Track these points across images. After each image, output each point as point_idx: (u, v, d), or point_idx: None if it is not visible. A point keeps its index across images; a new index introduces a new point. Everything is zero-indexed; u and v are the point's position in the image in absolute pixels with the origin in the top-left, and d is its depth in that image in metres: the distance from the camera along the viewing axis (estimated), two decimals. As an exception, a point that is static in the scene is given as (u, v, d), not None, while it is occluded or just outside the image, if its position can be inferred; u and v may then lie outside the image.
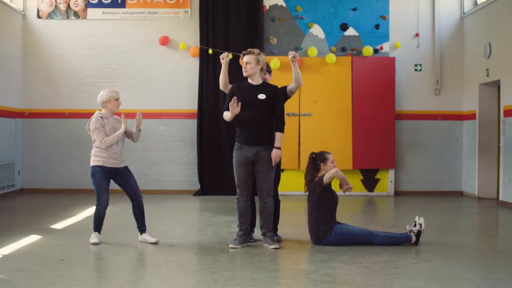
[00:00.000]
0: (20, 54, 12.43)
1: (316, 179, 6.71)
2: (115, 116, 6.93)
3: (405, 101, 12.67)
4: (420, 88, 12.67)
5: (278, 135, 6.52)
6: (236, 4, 12.39)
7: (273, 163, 6.48)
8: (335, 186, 6.84)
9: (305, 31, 12.55)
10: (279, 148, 6.50)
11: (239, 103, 6.41)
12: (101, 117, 6.76)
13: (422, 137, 12.68)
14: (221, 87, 6.92)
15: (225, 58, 6.88)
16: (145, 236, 6.81)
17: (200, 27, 12.40)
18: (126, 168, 6.82)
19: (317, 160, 6.77)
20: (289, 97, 7.00)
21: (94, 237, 6.71)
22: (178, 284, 5.06)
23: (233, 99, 6.42)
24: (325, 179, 6.58)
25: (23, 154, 12.45)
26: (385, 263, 5.86)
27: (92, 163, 6.74)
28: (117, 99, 6.83)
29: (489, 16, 11.62)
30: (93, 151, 6.78)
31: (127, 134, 6.88)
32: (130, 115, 7.32)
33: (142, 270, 5.87)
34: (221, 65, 6.94)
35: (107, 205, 6.71)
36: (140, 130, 6.95)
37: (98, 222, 6.74)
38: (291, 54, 6.79)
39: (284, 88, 6.93)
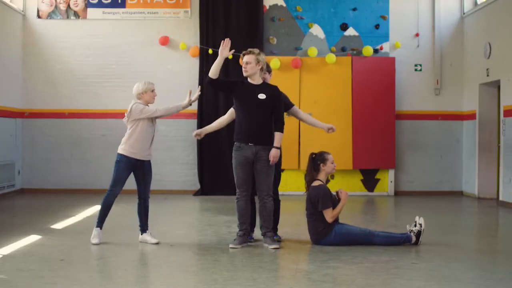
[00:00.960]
0: (20, 54, 12.43)
1: (315, 194, 6.64)
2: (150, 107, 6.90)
3: (405, 101, 12.67)
4: (420, 88, 12.68)
5: (277, 135, 6.52)
6: (236, 4, 12.39)
7: (271, 162, 6.48)
8: (332, 188, 6.84)
9: (305, 31, 12.55)
10: (278, 148, 6.50)
11: (232, 50, 6.50)
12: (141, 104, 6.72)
13: (422, 137, 12.68)
14: (211, 74, 6.69)
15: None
16: (146, 237, 6.81)
17: (200, 27, 12.41)
18: (149, 163, 6.83)
19: (316, 160, 6.76)
20: (286, 112, 6.96)
21: (95, 237, 6.69)
22: (178, 284, 5.06)
23: (226, 40, 6.49)
24: (328, 219, 6.59)
25: (23, 154, 12.44)
26: (385, 263, 5.86)
27: (120, 151, 6.71)
28: (153, 90, 6.88)
29: (489, 16, 11.62)
30: (125, 138, 6.73)
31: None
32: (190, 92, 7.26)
33: (142, 270, 5.87)
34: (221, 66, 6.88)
35: (117, 194, 6.71)
36: (190, 105, 6.92)
37: (104, 211, 6.71)
38: (330, 129, 6.93)
39: (290, 104, 6.94)
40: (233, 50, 6.63)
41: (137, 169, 6.76)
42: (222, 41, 6.58)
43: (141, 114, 6.68)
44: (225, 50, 6.52)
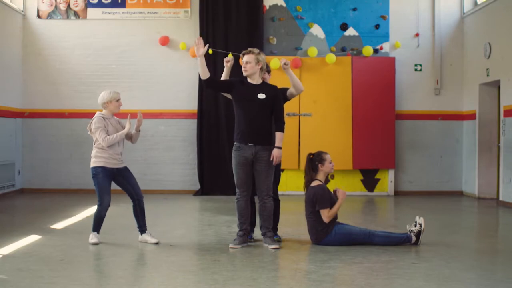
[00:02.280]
0: (20, 54, 12.43)
1: (315, 193, 6.63)
2: (116, 118, 6.93)
3: (405, 101, 12.67)
4: (420, 88, 12.68)
5: (278, 134, 6.52)
6: (236, 4, 12.39)
7: (274, 162, 6.48)
8: (330, 188, 6.84)
9: (305, 31, 12.55)
10: (280, 148, 6.50)
11: (207, 45, 6.51)
12: (103, 117, 6.75)
13: (422, 137, 12.68)
14: (202, 76, 6.73)
15: (230, 62, 6.86)
16: (145, 237, 6.81)
17: (200, 27, 12.40)
18: (126, 168, 6.83)
19: (314, 161, 6.76)
20: (289, 100, 6.99)
21: (93, 237, 6.71)
22: (178, 284, 5.06)
23: (197, 39, 6.52)
24: (325, 219, 6.58)
25: (23, 154, 12.45)
26: (385, 263, 5.86)
27: (93, 164, 6.72)
28: (118, 100, 6.82)
29: (489, 16, 11.62)
30: (93, 152, 6.76)
31: (127, 135, 6.88)
32: (131, 116, 7.31)
33: (142, 270, 5.87)
34: (221, 66, 6.94)
35: (108, 206, 6.71)
36: (139, 131, 6.95)
37: (98, 223, 6.75)
38: (282, 61, 6.79)
39: (285, 90, 6.92)
40: (207, 45, 6.61)
41: (116, 177, 6.74)
42: (194, 41, 6.56)
43: (95, 135, 6.67)
44: (199, 49, 6.51)
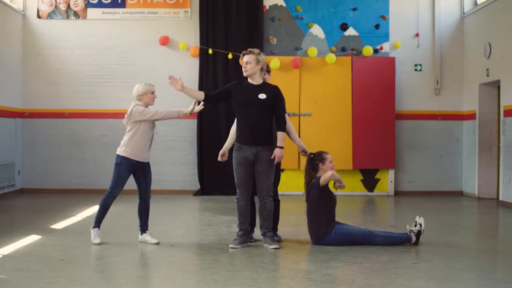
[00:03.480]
0: (20, 54, 12.43)
1: (313, 180, 6.72)
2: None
3: (405, 101, 12.67)
4: (420, 88, 12.68)
5: (280, 134, 6.52)
6: (236, 4, 12.39)
7: (275, 161, 6.48)
8: (330, 186, 6.85)
9: (305, 31, 12.55)
10: (281, 148, 6.50)
11: (179, 78, 6.55)
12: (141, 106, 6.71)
13: (422, 137, 12.68)
14: (197, 99, 6.83)
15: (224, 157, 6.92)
16: (146, 237, 6.81)
17: (200, 27, 12.40)
18: (148, 164, 6.83)
19: (315, 160, 6.77)
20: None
21: (96, 237, 6.70)
22: (178, 284, 5.06)
23: (168, 77, 6.60)
24: (321, 181, 6.58)
25: (23, 154, 12.45)
26: (385, 263, 5.86)
27: (120, 152, 6.69)
28: (153, 92, 6.88)
29: (489, 16, 11.62)
30: (124, 139, 6.72)
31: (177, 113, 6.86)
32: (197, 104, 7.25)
33: (142, 270, 5.87)
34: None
35: (116, 196, 6.71)
36: (190, 114, 6.92)
37: (102, 212, 6.71)
38: (306, 150, 6.89)
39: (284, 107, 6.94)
40: (179, 78, 6.58)
41: (137, 170, 6.75)
42: (168, 82, 6.61)
43: (141, 116, 6.68)
44: (177, 85, 6.55)
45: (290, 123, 7.06)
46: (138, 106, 6.74)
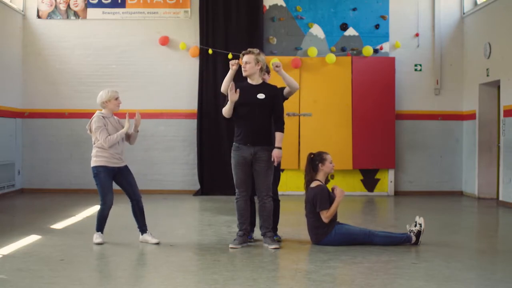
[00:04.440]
0: (20, 54, 12.43)
1: (315, 192, 6.64)
2: (115, 117, 6.93)
3: (405, 101, 12.67)
4: (420, 88, 12.67)
5: (278, 135, 6.51)
6: (236, 4, 12.39)
7: (275, 163, 6.48)
8: (329, 188, 6.85)
9: (305, 31, 12.55)
10: (280, 148, 6.49)
11: (238, 90, 6.40)
12: (102, 116, 6.76)
13: (422, 137, 12.68)
14: (223, 89, 6.84)
15: (235, 66, 6.80)
16: (146, 237, 6.81)
17: (200, 27, 12.40)
18: (126, 167, 6.83)
19: (315, 160, 6.77)
20: (287, 99, 6.98)
21: (97, 237, 6.71)
22: (178, 284, 5.06)
23: (231, 85, 6.42)
24: (324, 218, 6.56)
25: (23, 154, 12.45)
26: (385, 263, 5.86)
27: (94, 164, 6.72)
28: (116, 99, 6.82)
29: (489, 16, 11.62)
30: (94, 151, 6.76)
31: (126, 135, 6.88)
32: (130, 115, 7.30)
33: (142, 270, 5.87)
34: (221, 66, 6.92)
35: (111, 205, 6.71)
36: (138, 131, 6.95)
37: (101, 222, 6.74)
38: (273, 64, 6.77)
39: (282, 89, 6.91)
40: (238, 90, 6.52)
41: (116, 176, 6.74)
42: (230, 90, 6.45)
43: (94, 133, 6.67)
44: (234, 96, 6.43)
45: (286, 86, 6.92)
46: (99, 118, 6.70)
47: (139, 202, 6.82)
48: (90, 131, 6.78)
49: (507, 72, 10.76)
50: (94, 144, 6.78)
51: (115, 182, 6.77)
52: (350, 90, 12.25)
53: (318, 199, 6.55)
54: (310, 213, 6.67)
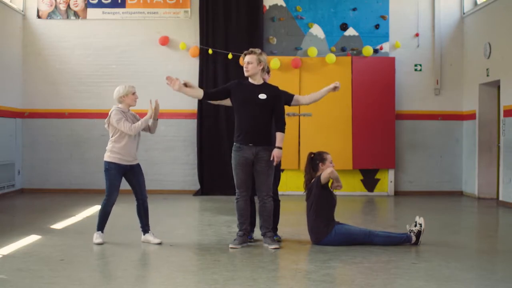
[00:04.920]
0: (20, 54, 12.43)
1: (313, 179, 6.72)
2: (132, 112, 6.93)
3: (405, 101, 12.67)
4: (420, 88, 12.68)
5: (279, 135, 6.52)
6: (236, 4, 12.39)
7: (274, 162, 6.48)
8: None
9: (305, 31, 12.55)
10: (280, 148, 6.49)
11: (177, 80, 6.45)
12: (121, 110, 6.74)
13: (422, 137, 12.68)
14: (196, 97, 6.77)
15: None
16: (148, 237, 6.81)
17: (200, 27, 12.41)
18: (138, 165, 6.83)
19: (315, 160, 6.77)
20: (290, 105, 6.96)
21: (98, 237, 6.71)
22: (178, 284, 5.06)
23: (167, 78, 6.51)
24: (322, 179, 6.58)
25: (23, 154, 12.45)
26: (385, 263, 5.86)
27: (107, 158, 6.70)
28: (134, 93, 6.86)
29: (489, 16, 11.62)
30: (110, 145, 6.73)
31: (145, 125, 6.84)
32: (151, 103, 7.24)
33: (142, 270, 5.87)
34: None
35: (114, 202, 6.72)
36: (157, 120, 6.93)
37: (102, 219, 6.73)
38: (335, 84, 6.91)
39: (290, 96, 6.88)
40: (177, 79, 6.51)
41: (127, 173, 6.75)
42: (166, 82, 6.51)
43: (116, 125, 6.67)
44: (174, 85, 6.46)
45: (300, 97, 7.00)
46: (117, 111, 6.71)
47: (144, 202, 6.82)
48: (109, 125, 6.72)
49: (507, 72, 10.76)
50: (111, 137, 6.73)
51: (125, 178, 6.77)
52: (350, 90, 12.25)
53: (316, 178, 6.59)
54: (311, 210, 6.67)
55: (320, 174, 6.65)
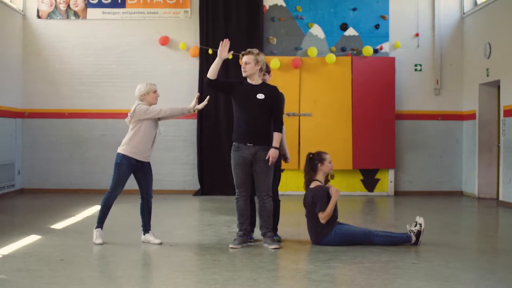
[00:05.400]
0: (20, 54, 12.43)
1: (314, 192, 6.64)
2: None
3: (405, 101, 12.67)
4: (420, 88, 12.67)
5: (276, 135, 6.51)
6: (236, 4, 12.39)
7: (269, 162, 6.48)
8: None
9: (305, 31, 12.55)
10: (277, 148, 6.49)
11: (231, 52, 6.47)
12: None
13: (422, 137, 12.68)
14: (209, 75, 6.63)
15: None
16: (148, 237, 6.81)
17: (200, 27, 12.41)
18: (149, 164, 6.81)
19: (314, 160, 6.77)
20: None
21: (98, 237, 6.69)
22: (178, 284, 5.06)
23: (225, 40, 6.48)
24: (321, 219, 6.57)
25: (23, 154, 12.44)
26: (385, 263, 5.86)
27: (121, 151, 6.67)
28: (155, 91, 6.87)
29: (489, 16, 11.62)
30: (127, 138, 6.70)
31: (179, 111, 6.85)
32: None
33: (142, 270, 5.87)
34: (221, 66, 6.84)
35: (117, 196, 6.71)
36: (191, 112, 6.93)
37: (104, 212, 6.71)
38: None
39: (281, 95, 6.84)
40: (231, 52, 6.61)
41: (137, 170, 6.74)
42: (221, 41, 6.55)
43: (145, 115, 6.67)
44: (224, 51, 6.51)
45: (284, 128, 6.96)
46: (142, 105, 6.73)
47: (149, 201, 6.82)
48: (132, 117, 6.66)
49: (507, 72, 10.76)
50: (130, 131, 6.69)
51: (133, 175, 6.75)
52: (350, 90, 12.25)
53: (318, 200, 6.55)
54: (309, 213, 6.67)
55: (318, 188, 6.60)
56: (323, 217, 6.56)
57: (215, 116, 12.24)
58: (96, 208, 6.83)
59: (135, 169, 6.71)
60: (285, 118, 6.81)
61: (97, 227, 6.75)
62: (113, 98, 12.34)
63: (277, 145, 6.50)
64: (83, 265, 5.85)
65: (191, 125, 12.47)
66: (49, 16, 12.56)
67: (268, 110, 6.53)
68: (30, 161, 12.46)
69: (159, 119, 6.82)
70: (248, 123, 6.51)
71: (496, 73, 11.22)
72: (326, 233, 6.61)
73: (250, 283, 5.03)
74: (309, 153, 6.86)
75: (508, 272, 5.68)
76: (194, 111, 6.90)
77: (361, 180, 12.43)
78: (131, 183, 6.89)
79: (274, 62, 11.85)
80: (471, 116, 12.25)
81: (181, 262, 5.96)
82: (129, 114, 6.73)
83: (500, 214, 10.08)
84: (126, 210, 8.60)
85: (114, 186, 6.67)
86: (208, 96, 6.97)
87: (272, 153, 6.46)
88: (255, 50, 6.62)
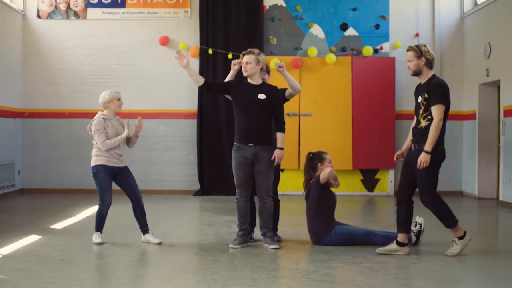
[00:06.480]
0: (20, 54, 12.43)
1: (312, 179, 6.73)
2: (117, 117, 6.92)
3: (405, 101, 12.63)
4: (420, 88, 12.65)
5: (279, 135, 6.52)
6: (236, 4, 12.39)
7: (275, 163, 6.48)
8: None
9: (305, 31, 12.55)
10: (281, 149, 6.50)
11: (187, 57, 6.49)
12: (103, 118, 6.74)
13: (422, 137, 12.64)
14: (196, 83, 6.70)
15: (237, 65, 6.84)
16: (148, 237, 6.81)
17: (200, 27, 12.41)
18: (126, 167, 6.83)
19: (314, 160, 6.78)
20: (288, 100, 6.99)
21: (97, 237, 6.71)
22: (178, 284, 5.06)
23: (176, 53, 6.53)
24: (321, 178, 6.58)
25: (23, 154, 12.45)
26: (385, 263, 5.86)
27: (93, 163, 6.72)
28: (119, 99, 6.82)
29: (489, 16, 11.62)
30: (94, 151, 6.77)
31: (126, 138, 6.86)
32: (130, 115, 7.33)
33: (142, 270, 5.87)
34: (221, 66, 6.92)
35: (110, 204, 6.71)
36: (138, 137, 6.95)
37: (100, 222, 6.74)
38: (276, 64, 6.79)
39: (284, 90, 6.91)
40: (187, 57, 6.54)
41: (116, 176, 6.74)
42: (175, 56, 6.53)
43: (93, 135, 6.69)
44: (182, 61, 6.47)
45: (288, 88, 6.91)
46: (99, 122, 6.68)
47: (139, 202, 6.81)
48: (90, 131, 6.78)
49: (507, 72, 10.76)
50: (94, 144, 6.78)
51: (115, 182, 6.77)
52: (350, 90, 12.25)
53: (315, 179, 6.61)
54: (310, 210, 6.67)
55: (319, 174, 6.65)
56: (323, 175, 6.55)
57: (215, 116, 12.23)
58: (96, 208, 6.83)
59: (113, 175, 6.70)
60: (286, 118, 6.80)
61: (96, 231, 6.77)
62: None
63: (282, 145, 6.51)
64: (83, 265, 5.86)
65: (191, 125, 12.47)
66: (49, 16, 12.56)
67: (269, 110, 6.54)
68: (30, 161, 12.46)
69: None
70: (249, 123, 6.51)
71: (496, 73, 11.22)
72: (326, 233, 6.61)
73: (250, 283, 5.03)
74: (309, 153, 6.87)
75: (508, 272, 5.69)
76: (128, 136, 6.83)
77: (361, 180, 12.43)
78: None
79: (274, 62, 11.83)
80: (471, 116, 12.24)
81: (181, 262, 5.96)
82: (88, 127, 6.75)
83: (500, 214, 10.08)
84: (126, 210, 8.58)
85: (101, 197, 6.67)
86: (139, 117, 6.94)
87: (278, 154, 6.46)
88: (256, 50, 6.62)
